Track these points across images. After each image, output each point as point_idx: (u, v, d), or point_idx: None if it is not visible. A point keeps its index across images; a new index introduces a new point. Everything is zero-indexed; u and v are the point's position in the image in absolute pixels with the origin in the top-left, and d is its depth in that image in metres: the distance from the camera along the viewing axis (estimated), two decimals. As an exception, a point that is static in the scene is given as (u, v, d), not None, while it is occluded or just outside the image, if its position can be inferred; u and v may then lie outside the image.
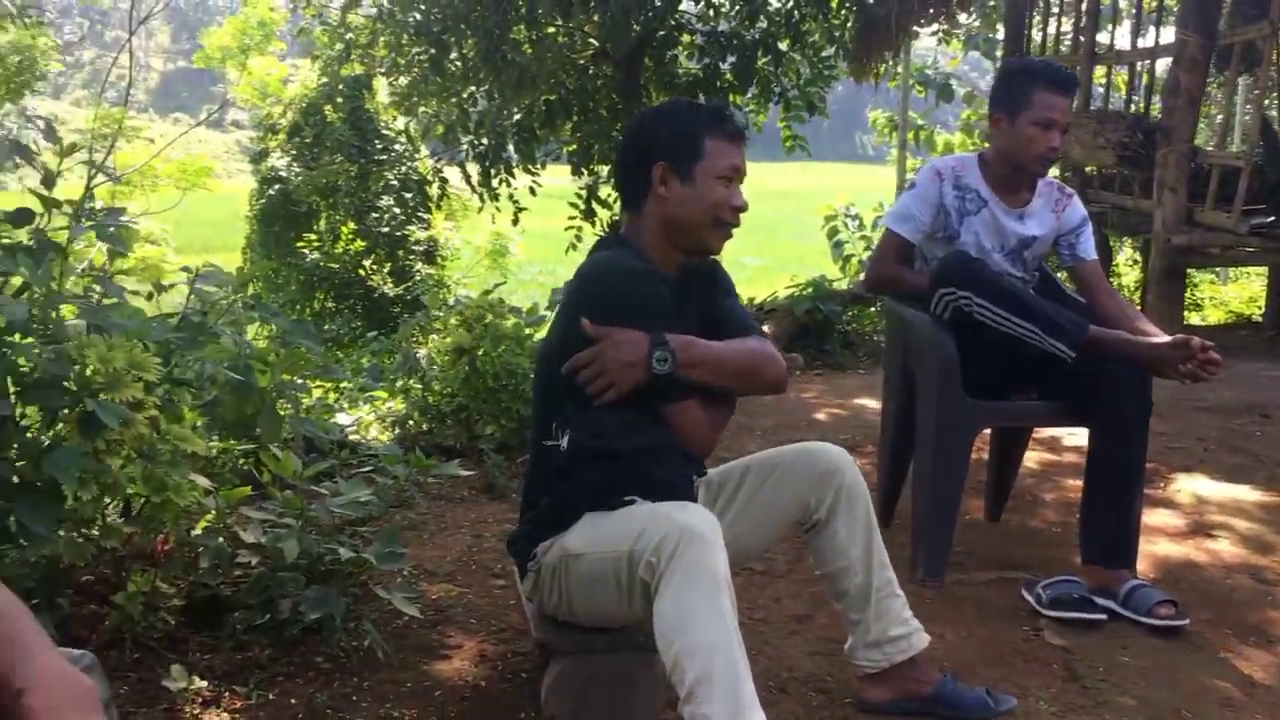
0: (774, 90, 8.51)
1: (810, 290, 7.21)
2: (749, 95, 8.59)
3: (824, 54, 8.65)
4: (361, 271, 11.30)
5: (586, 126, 8.54)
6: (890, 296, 3.37)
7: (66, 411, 2.19)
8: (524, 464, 4.01)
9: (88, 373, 2.16)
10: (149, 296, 2.60)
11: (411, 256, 11.58)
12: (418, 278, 11.26)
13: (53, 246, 2.31)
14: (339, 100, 11.23)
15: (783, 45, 8.25)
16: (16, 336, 2.20)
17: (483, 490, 3.77)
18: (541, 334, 4.54)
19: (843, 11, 8.07)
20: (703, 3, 8.57)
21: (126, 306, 2.41)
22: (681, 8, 8.52)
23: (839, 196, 11.05)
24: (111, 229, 2.33)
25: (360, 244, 11.38)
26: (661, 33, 8.19)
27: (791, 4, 8.15)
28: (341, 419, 4.54)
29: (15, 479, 2.10)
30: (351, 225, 11.39)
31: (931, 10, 7.07)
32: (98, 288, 2.45)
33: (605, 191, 9.16)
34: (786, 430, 4.60)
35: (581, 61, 8.64)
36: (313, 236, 11.48)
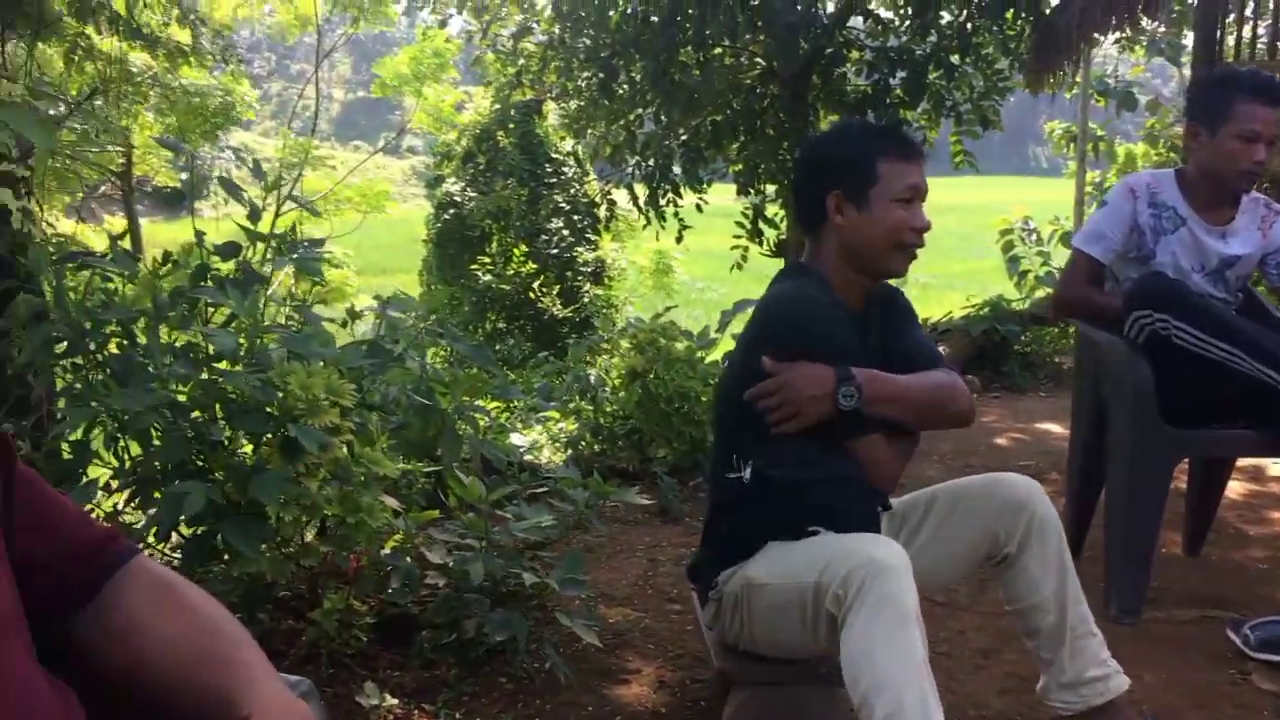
0: (946, 105, 8.32)
1: (987, 310, 7.01)
2: (920, 111, 8.42)
3: (997, 66, 8.42)
4: (531, 293, 11.56)
5: (753, 146, 8.53)
6: (1080, 320, 3.24)
7: (269, 436, 2.29)
8: (696, 487, 4.03)
9: (289, 399, 2.26)
10: (343, 324, 2.71)
11: (580, 278, 11.78)
12: (586, 299, 11.44)
13: (258, 278, 2.43)
14: (511, 126, 11.52)
15: (955, 59, 8.06)
16: (225, 364, 2.32)
17: (656, 514, 3.78)
18: (713, 356, 4.57)
19: (1018, 22, 7.84)
20: (871, 19, 8.46)
21: (323, 334, 2.52)
22: (850, 24, 8.43)
23: (1015, 211, 10.72)
24: (310, 260, 2.43)
25: (531, 266, 11.65)
26: (830, 50, 8.11)
27: (965, 16, 7.96)
28: (516, 439, 4.64)
29: (223, 500, 2.21)
30: (522, 248, 11.67)
31: (1115, 17, 6.78)
32: (297, 316, 2.56)
33: (771, 210, 9.13)
34: (966, 456, 4.48)
35: (748, 81, 8.64)
36: (485, 259, 11.80)
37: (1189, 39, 9.33)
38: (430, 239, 12.31)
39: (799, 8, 7.47)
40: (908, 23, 8.17)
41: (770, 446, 2.05)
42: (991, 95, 8.36)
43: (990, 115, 8.40)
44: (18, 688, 0.91)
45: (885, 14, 8.59)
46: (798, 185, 2.21)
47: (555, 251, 11.49)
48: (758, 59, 8.45)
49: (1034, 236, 10.28)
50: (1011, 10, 7.66)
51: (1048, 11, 7.36)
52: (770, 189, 8.87)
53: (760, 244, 8.97)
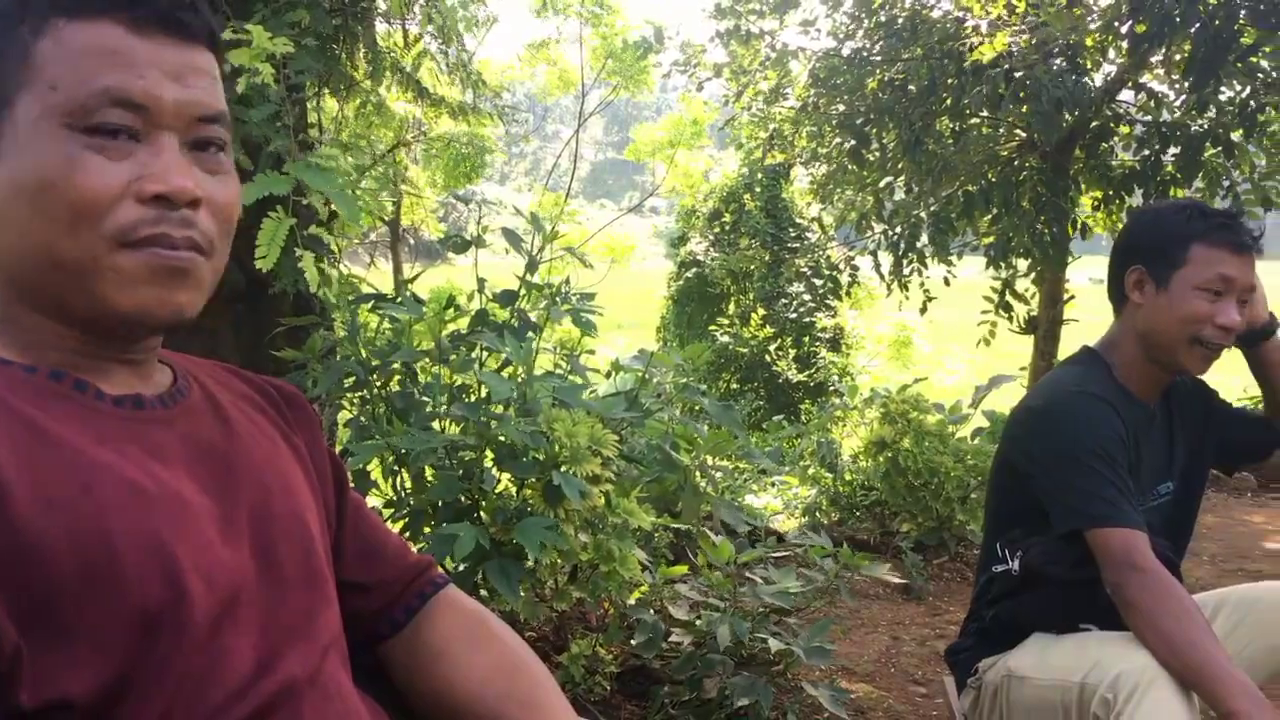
0: (1223, 184, 7.84)
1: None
2: (1193, 189, 7.97)
3: (1283, 144, 7.88)
4: (768, 356, 11.57)
5: (1006, 219, 8.27)
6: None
7: (533, 480, 2.37)
8: (941, 566, 3.89)
9: (555, 445, 2.33)
10: (607, 375, 2.78)
11: (817, 343, 11.71)
12: (821, 364, 11.36)
13: (532, 326, 2.52)
14: (757, 189, 11.64)
15: (1235, 136, 7.60)
16: (497, 407, 2.42)
17: (899, 590, 3.67)
18: (963, 432, 4.42)
19: (1310, 99, 7.32)
20: (1143, 92, 8.10)
21: (588, 384, 2.59)
22: (1120, 97, 8.10)
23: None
24: (583, 311, 2.51)
25: (768, 330, 11.67)
26: (1096, 123, 7.80)
27: (1248, 92, 7.50)
28: (750, 500, 4.62)
29: (489, 542, 2.28)
30: (761, 310, 11.71)
31: None
32: (565, 365, 2.65)
33: (1022, 285, 8.81)
34: (1237, 559, 4.15)
35: (1005, 153, 8.42)
36: (724, 320, 11.91)
37: None
38: (670, 296, 12.54)
39: (1067, 80, 7.23)
40: (1184, 97, 7.76)
41: (1043, 541, 1.94)
42: (1276, 175, 7.82)
43: (1274, 196, 7.85)
44: (338, 706, 0.95)
45: (1158, 87, 8.20)
46: (1111, 258, 2.08)
47: (794, 316, 11.48)
48: (1017, 130, 8.22)
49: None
50: (1302, 86, 7.17)
51: (1344, 87, 6.85)
52: (1022, 264, 8.57)
53: (1010, 319, 8.67)
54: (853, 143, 8.41)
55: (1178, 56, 7.64)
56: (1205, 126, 7.64)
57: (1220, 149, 7.57)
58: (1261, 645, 1.98)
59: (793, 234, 11.80)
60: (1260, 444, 2.16)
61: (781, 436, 7.40)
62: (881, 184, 8.95)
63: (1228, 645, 1.99)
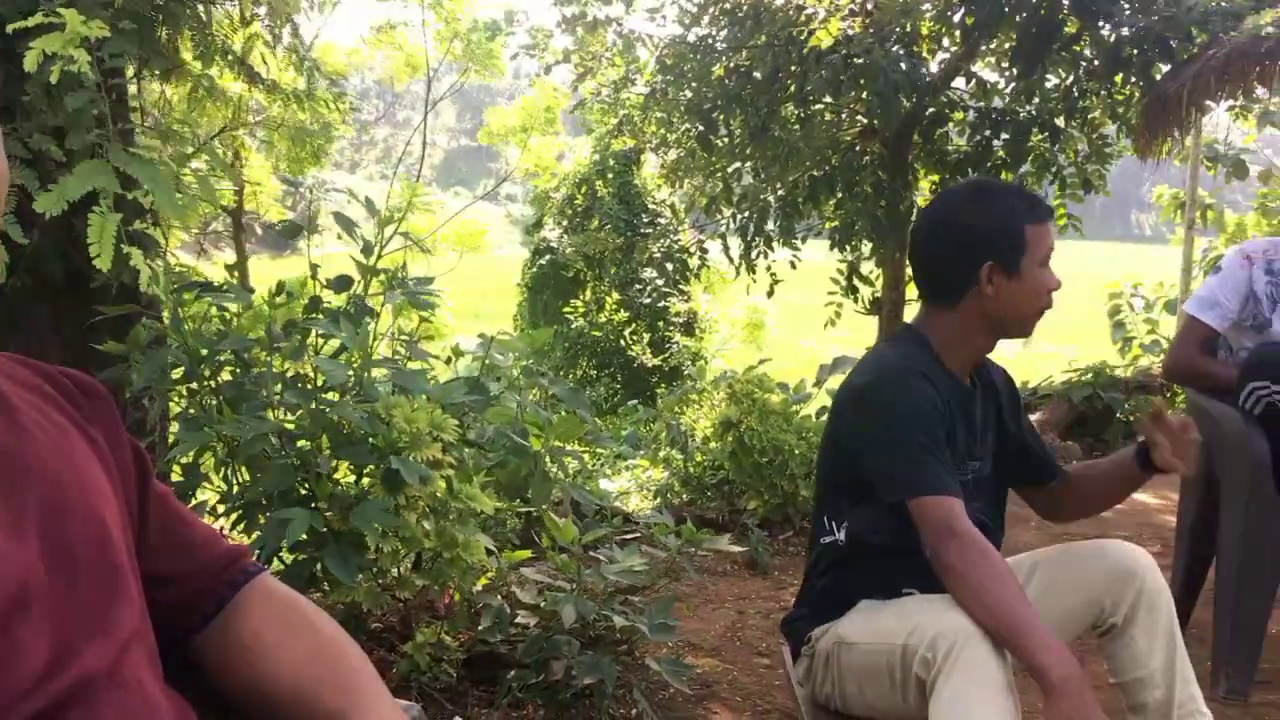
0: (1050, 168, 8.22)
1: (1090, 376, 6.85)
2: (1022, 173, 8.33)
3: (1104, 131, 8.30)
4: (622, 341, 11.64)
5: (850, 203, 8.50)
6: (1191, 387, 3.15)
7: (372, 467, 2.34)
8: (786, 541, 3.99)
9: (393, 431, 2.30)
10: (446, 361, 2.76)
11: (671, 328, 11.83)
12: (675, 349, 11.48)
13: (369, 311, 2.49)
14: (610, 175, 11.68)
15: (1060, 122, 7.97)
16: (333, 394, 2.38)
17: (745, 565, 3.75)
18: (807, 410, 4.53)
19: (1127, 86, 7.73)
20: (975, 80, 8.42)
21: (428, 370, 2.56)
22: (953, 84, 8.40)
23: (1124, 276, 10.51)
24: (421, 295, 2.49)
25: (623, 314, 11.74)
26: (932, 110, 8.08)
27: (1072, 80, 7.88)
28: (604, 485, 4.66)
29: (326, 528, 2.25)
30: (615, 296, 11.76)
31: (1228, 85, 6.64)
32: (403, 351, 2.62)
33: (867, 268, 9.08)
34: (1061, 524, 4.36)
35: (848, 139, 8.64)
36: (579, 305, 11.93)
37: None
38: (525, 284, 12.51)
39: (903, 66, 7.46)
40: (1012, 85, 8.10)
41: (866, 510, 2.02)
42: (1096, 160, 8.23)
43: (1095, 180, 8.27)
44: (137, 702, 0.93)
45: (989, 75, 8.53)
46: (940, 254, 2.08)
47: (648, 301, 11.58)
48: (859, 116, 8.45)
49: (1142, 303, 10.05)
50: (1121, 75, 7.56)
51: (1158, 77, 7.25)
52: (866, 247, 8.83)
53: (855, 301, 8.92)
54: (701, 129, 8.50)
55: (1006, 46, 7.97)
56: (1032, 113, 7.99)
57: (1046, 134, 7.93)
58: (1071, 602, 2.09)
59: (645, 219, 11.89)
60: (1039, 471, 2.28)
61: (636, 420, 7.47)
62: (730, 169, 9.09)
63: (1042, 603, 2.09)
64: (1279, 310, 2.84)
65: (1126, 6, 7.10)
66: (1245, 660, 2.74)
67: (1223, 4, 6.78)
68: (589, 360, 11.80)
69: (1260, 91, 8.85)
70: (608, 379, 11.50)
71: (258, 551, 2.20)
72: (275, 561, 2.38)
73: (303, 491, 2.28)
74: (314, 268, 2.49)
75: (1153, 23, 6.94)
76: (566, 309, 11.88)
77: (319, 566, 2.27)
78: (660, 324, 11.74)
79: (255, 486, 2.29)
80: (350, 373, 2.37)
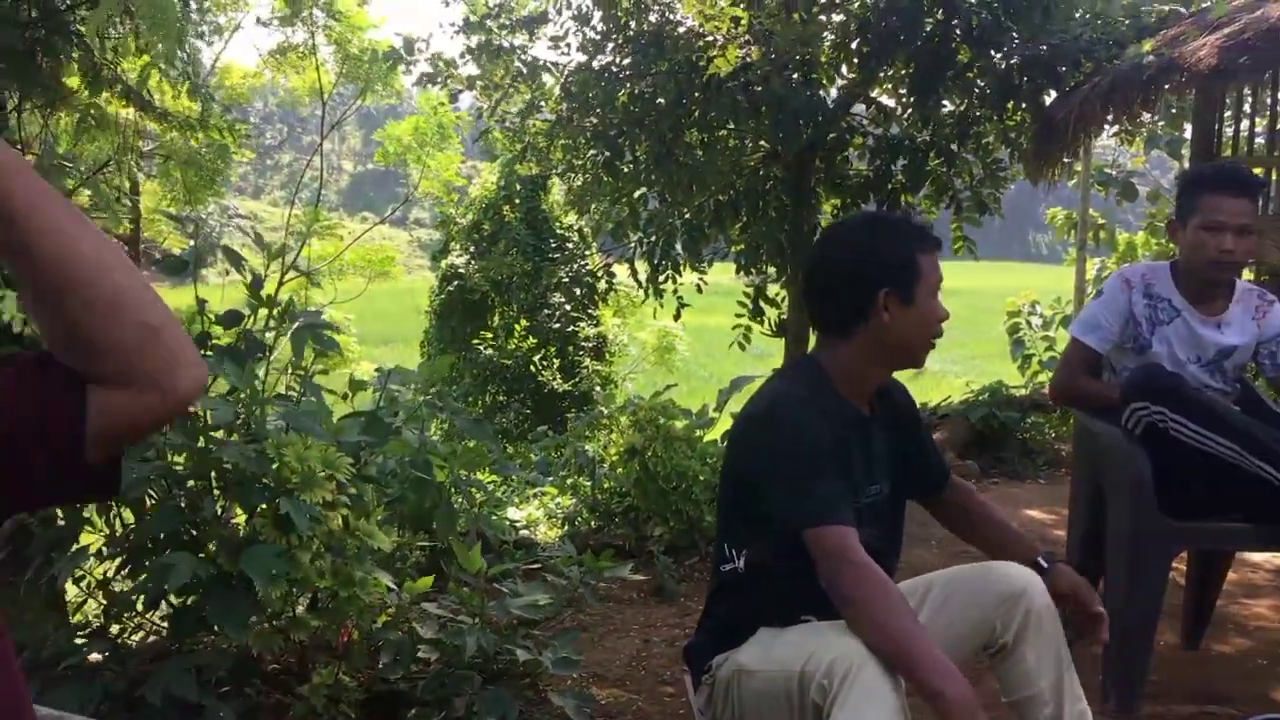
0: (946, 192, 8.42)
1: (986, 396, 7.01)
2: (921, 196, 8.52)
3: (997, 155, 8.53)
4: (532, 367, 11.60)
5: (755, 226, 8.60)
6: (1077, 408, 3.25)
7: (264, 507, 2.29)
8: (692, 567, 4.00)
9: (283, 471, 2.26)
10: (344, 396, 2.71)
11: (580, 353, 11.83)
12: (586, 373, 11.48)
13: (259, 347, 2.44)
14: (517, 200, 11.65)
15: (955, 147, 8.18)
16: (221, 434, 2.33)
17: (651, 593, 3.75)
18: (712, 435, 4.56)
19: (1018, 113, 7.96)
20: (874, 106, 8.60)
21: (324, 405, 2.52)
22: (853, 110, 8.56)
23: (1023, 295, 10.78)
24: (316, 327, 2.45)
25: (532, 340, 11.70)
26: (832, 135, 8.22)
27: (965, 106, 8.10)
28: (513, 514, 4.62)
29: (214, 572, 2.19)
30: (524, 322, 11.73)
31: (1114, 111, 6.88)
32: (297, 387, 2.57)
33: (773, 290, 9.18)
34: (961, 544, 4.44)
35: (751, 163, 8.75)
36: (487, 333, 11.87)
37: (1189, 132, 9.45)
38: (433, 310, 12.39)
39: (803, 91, 7.59)
40: (909, 111, 8.29)
41: (765, 538, 2.04)
42: (990, 183, 8.45)
43: (989, 202, 8.49)
44: None
45: (887, 101, 8.72)
46: (834, 286, 2.11)
47: (556, 326, 11.56)
48: (762, 141, 8.56)
49: (1040, 321, 10.33)
50: (1012, 102, 7.79)
51: (1048, 104, 7.49)
52: (771, 269, 8.93)
53: (761, 323, 9.01)
54: (606, 154, 8.54)
55: (903, 73, 8.16)
56: (929, 138, 8.19)
57: (942, 159, 8.12)
58: (963, 623, 2.14)
59: (553, 244, 11.89)
60: (934, 480, 2.34)
61: (544, 447, 7.42)
62: (636, 194, 9.12)
63: (934, 625, 2.14)
64: (1157, 333, 2.94)
65: (1016, 36, 7.32)
66: (1134, 675, 2.82)
67: (1106, 34, 7.03)
68: (498, 387, 11.74)
69: (1145, 116, 9.20)
70: (518, 405, 11.44)
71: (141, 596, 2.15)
72: (163, 606, 2.31)
73: (189, 534, 2.23)
74: (201, 302, 2.43)
75: (1041, 52, 7.17)
76: (475, 337, 11.80)
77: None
78: (570, 349, 11.74)
79: (141, 530, 2.23)
80: (241, 410, 2.32)
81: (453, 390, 11.28)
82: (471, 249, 12.16)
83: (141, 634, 2.60)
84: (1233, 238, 2.80)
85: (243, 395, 2.34)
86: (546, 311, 11.57)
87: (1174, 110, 10.02)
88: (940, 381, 10.58)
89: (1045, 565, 2.20)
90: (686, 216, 8.87)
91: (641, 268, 9.05)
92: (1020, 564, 2.18)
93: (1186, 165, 8.34)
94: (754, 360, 11.52)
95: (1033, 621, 2.08)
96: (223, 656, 2.42)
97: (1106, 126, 7.56)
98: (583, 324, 11.87)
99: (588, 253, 11.88)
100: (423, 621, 2.70)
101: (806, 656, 1.86)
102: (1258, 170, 7.05)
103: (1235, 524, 2.86)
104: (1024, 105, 7.74)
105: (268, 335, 2.58)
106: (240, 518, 2.37)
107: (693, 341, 14.30)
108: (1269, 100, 6.89)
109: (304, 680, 2.47)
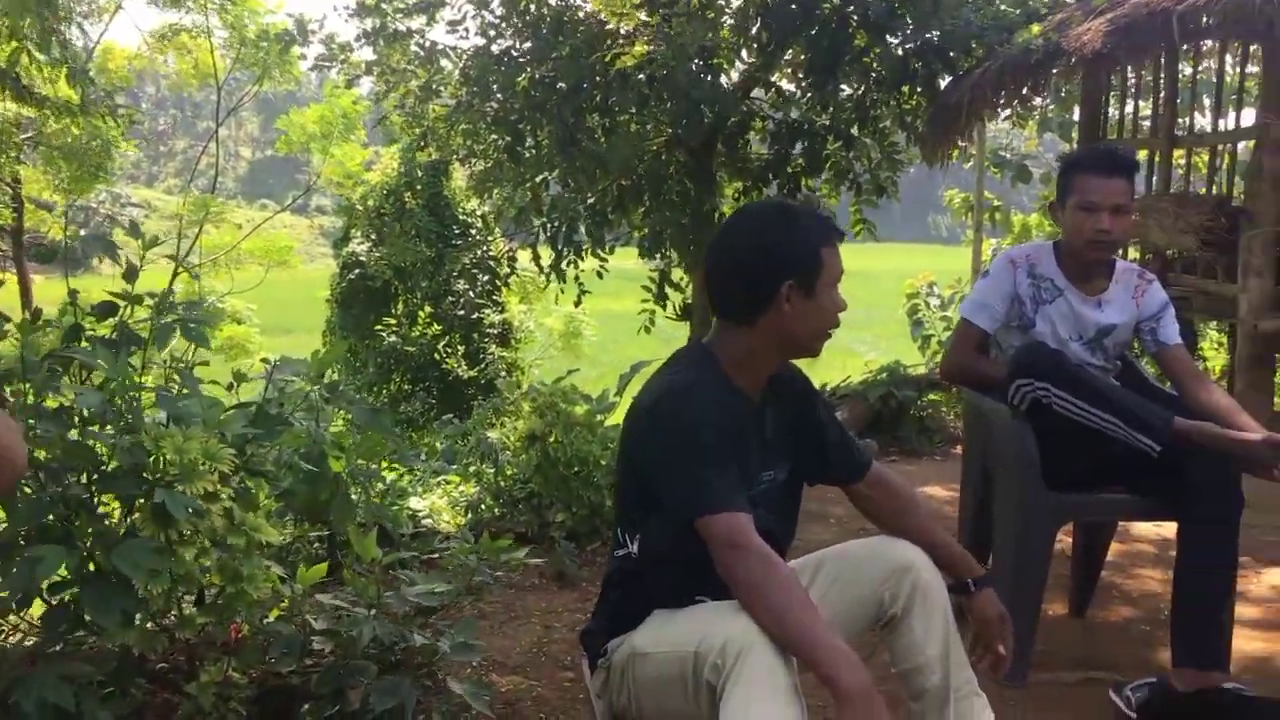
0: (846, 175, 8.55)
1: (884, 375, 7.13)
2: (820, 180, 8.63)
3: (894, 139, 8.67)
4: (437, 354, 11.47)
5: (657, 212, 8.63)
6: (967, 386, 3.32)
7: (142, 501, 2.22)
8: (594, 552, 4.00)
9: (161, 462, 2.19)
10: (229, 387, 2.64)
11: (486, 339, 11.74)
12: (491, 360, 11.40)
13: (133, 339, 2.36)
14: (418, 186, 11.51)
15: (853, 131, 8.30)
16: (96, 425, 2.25)
17: (553, 578, 3.74)
18: (613, 420, 4.55)
19: (914, 97, 8.11)
20: (773, 90, 8.68)
21: (204, 398, 2.45)
22: (753, 95, 8.63)
23: (922, 276, 10.98)
24: (192, 323, 2.38)
25: (436, 327, 11.58)
26: (733, 120, 8.28)
27: (862, 91, 8.22)
28: (414, 503, 4.56)
29: (91, 568, 2.12)
30: (428, 309, 11.59)
31: (1005, 95, 7.05)
32: (177, 378, 2.50)
33: (677, 275, 9.23)
34: (860, 519, 4.50)
35: (654, 148, 8.77)
36: (391, 320, 11.71)
37: (1078, 114, 9.71)
38: (334, 298, 12.17)
39: (705, 79, 7.62)
40: (808, 95, 8.38)
41: (658, 521, 2.04)
42: (888, 166, 8.60)
43: (887, 185, 8.63)
44: None
45: (787, 86, 8.81)
46: (737, 276, 2.09)
47: (461, 313, 11.45)
48: (664, 126, 8.58)
49: (939, 301, 10.54)
50: (907, 86, 7.92)
51: (942, 88, 7.63)
52: (674, 254, 8.98)
53: (666, 308, 9.06)
54: (508, 140, 8.50)
55: (802, 58, 8.24)
56: (827, 122, 8.30)
57: (841, 143, 8.24)
58: (854, 597, 2.16)
59: (457, 231, 11.76)
60: (840, 472, 2.34)
61: (449, 435, 7.35)
62: (538, 179, 9.09)
63: (826, 601, 2.16)
64: (1041, 311, 3.01)
65: (910, 22, 7.44)
66: (1021, 644, 2.88)
67: (996, 20, 7.18)
68: (403, 375, 11.59)
69: (1036, 100, 9.42)
70: (423, 393, 11.31)
71: (15, 595, 2.07)
72: (36, 604, 2.23)
73: (59, 527, 2.15)
74: (73, 294, 2.35)
75: (934, 37, 7.30)
76: (378, 324, 11.62)
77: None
78: (475, 336, 11.64)
79: (11, 525, 2.14)
80: (118, 401, 2.25)
81: (356, 379, 11.12)
82: (373, 235, 11.97)
83: (19, 635, 2.51)
84: (1109, 217, 2.88)
85: (113, 385, 2.26)
86: (451, 298, 11.44)
87: (1064, 93, 10.28)
88: (843, 361, 10.72)
89: (972, 589, 2.25)
90: (590, 201, 8.86)
91: (545, 253, 9.03)
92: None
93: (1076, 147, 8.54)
94: (662, 344, 11.55)
95: (920, 593, 2.12)
96: (104, 657, 2.34)
97: (999, 110, 7.72)
98: (488, 310, 11.78)
99: (491, 238, 11.78)
100: (316, 613, 2.65)
101: (700, 637, 1.87)
102: (1143, 151, 7.28)
103: (1117, 495, 2.95)
104: (919, 90, 7.88)
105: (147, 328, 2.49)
106: (115, 513, 2.29)
107: (600, 326, 14.29)
108: (1153, 82, 7.10)
109: (192, 678, 2.41)
